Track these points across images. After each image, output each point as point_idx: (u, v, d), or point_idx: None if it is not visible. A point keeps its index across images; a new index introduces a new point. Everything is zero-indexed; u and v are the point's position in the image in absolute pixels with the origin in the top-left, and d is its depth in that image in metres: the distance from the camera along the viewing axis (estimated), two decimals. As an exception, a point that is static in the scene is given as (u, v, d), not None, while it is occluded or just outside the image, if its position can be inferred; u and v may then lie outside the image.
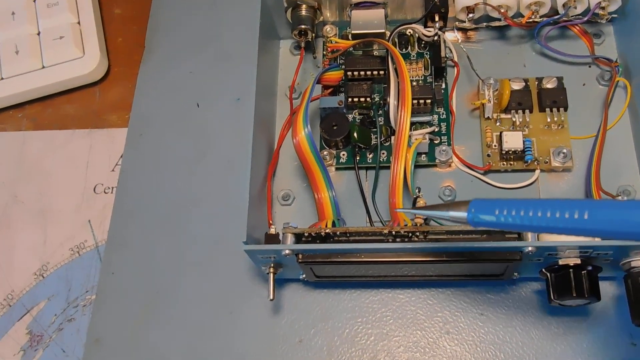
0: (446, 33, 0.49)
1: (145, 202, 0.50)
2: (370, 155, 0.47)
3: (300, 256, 0.39)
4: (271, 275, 0.41)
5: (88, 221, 0.51)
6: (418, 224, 0.40)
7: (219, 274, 0.47)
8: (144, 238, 0.49)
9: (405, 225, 0.40)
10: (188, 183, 0.50)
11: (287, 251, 0.39)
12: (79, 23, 0.56)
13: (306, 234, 0.40)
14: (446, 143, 0.46)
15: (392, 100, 0.43)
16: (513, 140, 0.44)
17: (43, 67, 0.54)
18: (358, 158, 0.47)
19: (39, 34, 0.55)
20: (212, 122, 0.52)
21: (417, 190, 0.41)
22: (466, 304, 0.44)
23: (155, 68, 0.56)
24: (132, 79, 0.56)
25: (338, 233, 0.40)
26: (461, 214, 0.32)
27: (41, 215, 0.51)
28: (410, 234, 0.39)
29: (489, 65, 0.49)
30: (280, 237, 0.41)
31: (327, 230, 0.39)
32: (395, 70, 0.45)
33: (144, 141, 0.53)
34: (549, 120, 0.46)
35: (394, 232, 0.39)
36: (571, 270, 0.38)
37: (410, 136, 0.43)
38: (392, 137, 0.45)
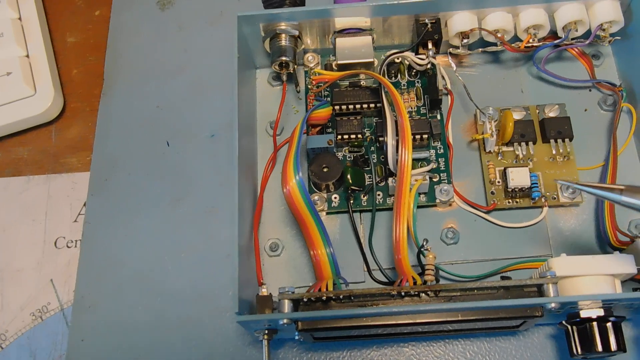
0: (436, 57, 0.45)
1: (115, 256, 0.45)
2: (365, 197, 0.43)
3: (300, 324, 0.35)
4: (265, 342, 0.37)
5: (50, 280, 0.46)
6: (428, 282, 0.36)
7: (204, 336, 0.42)
8: (116, 297, 0.44)
9: (415, 283, 0.36)
10: (163, 232, 0.45)
11: (285, 320, 0.35)
12: (27, 56, 0.50)
13: (305, 299, 0.36)
14: (446, 181, 0.43)
15: (390, 140, 0.39)
16: (519, 177, 0.41)
17: (-12, 107, 0.48)
18: (352, 201, 0.43)
19: (-20, 69, 0.49)
20: (186, 163, 0.48)
21: (424, 242, 0.37)
22: (475, 354, 0.41)
23: (118, 102, 0.50)
24: (92, 116, 0.50)
25: (341, 297, 0.35)
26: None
27: (-4, 276, 0.46)
28: (420, 293, 0.36)
29: (484, 92, 0.46)
30: (275, 301, 0.37)
31: (329, 294, 0.35)
32: (390, 104, 0.41)
33: (109, 186, 0.47)
34: (554, 152, 0.43)
35: (403, 293, 0.35)
36: (595, 322, 0.35)
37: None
38: (390, 178, 0.41)
